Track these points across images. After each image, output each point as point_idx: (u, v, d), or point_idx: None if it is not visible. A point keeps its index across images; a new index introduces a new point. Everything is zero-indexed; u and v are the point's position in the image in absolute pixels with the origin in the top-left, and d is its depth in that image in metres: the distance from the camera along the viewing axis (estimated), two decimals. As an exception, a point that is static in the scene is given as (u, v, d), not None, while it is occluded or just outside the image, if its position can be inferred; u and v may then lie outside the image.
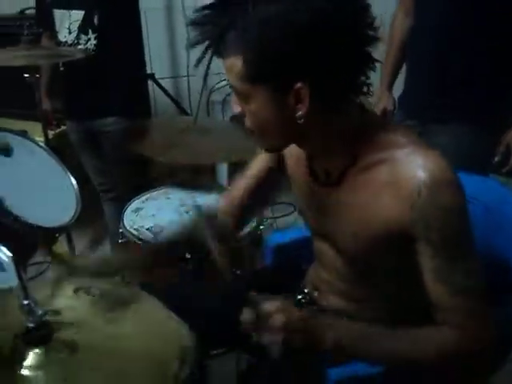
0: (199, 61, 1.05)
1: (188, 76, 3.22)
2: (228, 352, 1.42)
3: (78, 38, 2.27)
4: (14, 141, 1.93)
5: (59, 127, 2.73)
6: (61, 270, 1.26)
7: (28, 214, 1.69)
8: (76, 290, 1.12)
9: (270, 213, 2.74)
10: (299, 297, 1.38)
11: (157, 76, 2.91)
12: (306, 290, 1.39)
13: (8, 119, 2.95)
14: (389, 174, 1.05)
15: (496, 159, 1.86)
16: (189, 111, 3.02)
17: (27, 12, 2.88)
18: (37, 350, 0.96)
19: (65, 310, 1.04)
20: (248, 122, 1.09)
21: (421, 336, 1.05)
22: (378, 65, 1.06)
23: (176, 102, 2.95)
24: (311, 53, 0.96)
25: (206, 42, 1.01)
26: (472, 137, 1.84)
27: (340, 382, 1.24)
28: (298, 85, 0.99)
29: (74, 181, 1.92)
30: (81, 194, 1.87)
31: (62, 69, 2.35)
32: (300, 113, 1.02)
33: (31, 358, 0.96)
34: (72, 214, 1.81)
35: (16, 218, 1.59)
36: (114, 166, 2.46)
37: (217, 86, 2.97)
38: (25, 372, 0.94)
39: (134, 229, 1.82)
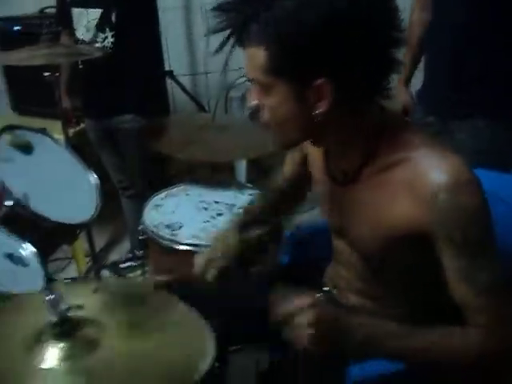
0: (219, 49, 1.04)
1: (206, 73, 3.23)
2: (248, 348, 1.43)
3: (95, 36, 2.29)
4: (34, 139, 1.96)
5: (79, 125, 2.75)
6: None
7: (49, 211, 1.71)
8: (95, 290, 1.13)
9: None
10: (318, 295, 1.38)
11: (175, 73, 2.91)
12: (325, 288, 1.39)
13: (28, 117, 2.97)
14: (406, 175, 1.04)
15: None
16: (207, 108, 3.03)
17: (47, 11, 2.90)
18: (58, 345, 0.97)
19: (86, 309, 1.05)
20: (265, 115, 1.08)
21: (446, 335, 1.05)
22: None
23: (194, 99, 2.95)
24: (334, 49, 0.96)
25: (227, 31, 1.01)
26: (490, 132, 1.83)
27: (359, 382, 1.23)
28: (321, 81, 0.98)
29: (94, 178, 1.94)
30: (101, 191, 1.89)
31: (80, 67, 2.37)
32: (320, 109, 1.02)
33: (52, 351, 0.97)
34: (92, 211, 1.83)
35: (38, 215, 1.62)
36: (133, 164, 2.48)
37: (235, 83, 2.97)
38: (45, 365, 0.96)
39: (154, 225, 1.83)
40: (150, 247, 1.90)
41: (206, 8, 3.04)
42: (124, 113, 2.36)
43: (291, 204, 1.57)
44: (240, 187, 2.13)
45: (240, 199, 2.01)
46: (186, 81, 3.12)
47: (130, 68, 2.31)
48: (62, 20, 2.44)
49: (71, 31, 2.38)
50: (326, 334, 1.00)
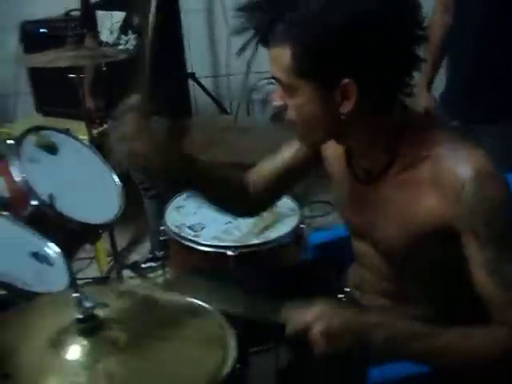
0: (243, 49, 1.05)
1: (228, 75, 3.24)
2: (268, 349, 1.43)
3: (118, 38, 2.32)
4: (59, 139, 1.99)
5: (102, 126, 2.77)
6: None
7: (73, 211, 1.73)
8: (120, 294, 1.14)
9: (309, 212, 2.74)
10: (341, 296, 1.38)
11: (197, 75, 2.93)
12: (346, 289, 1.39)
13: (52, 118, 3.01)
14: (431, 171, 1.04)
15: None
16: (229, 110, 3.04)
17: (72, 14, 2.94)
18: (83, 342, 0.98)
19: (110, 309, 1.07)
20: (290, 115, 1.09)
21: (470, 333, 1.04)
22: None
23: (216, 100, 2.97)
24: (359, 49, 0.97)
25: (251, 31, 1.02)
26: None
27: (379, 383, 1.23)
28: (346, 81, 0.99)
29: (117, 178, 1.96)
30: (124, 192, 1.91)
31: (104, 69, 2.40)
32: (345, 109, 1.02)
33: (75, 348, 0.98)
34: (115, 211, 1.85)
35: (63, 215, 1.64)
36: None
37: (257, 85, 2.98)
38: (69, 362, 0.96)
39: (176, 226, 1.84)
40: (171, 248, 1.92)
41: (228, 10, 3.07)
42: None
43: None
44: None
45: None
46: (207, 83, 3.14)
47: (152, 70, 2.32)
48: (87, 23, 2.47)
49: (95, 34, 2.41)
50: (340, 340, 1.01)
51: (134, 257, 2.81)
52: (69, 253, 1.66)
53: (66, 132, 2.03)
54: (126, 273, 2.52)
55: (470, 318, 1.04)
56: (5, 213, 1.63)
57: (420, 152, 1.07)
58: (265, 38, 1.02)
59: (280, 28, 1.00)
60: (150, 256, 2.67)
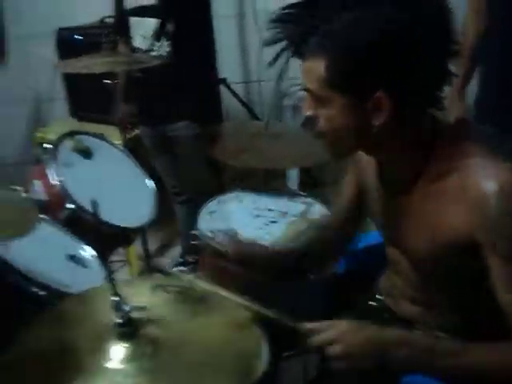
0: (275, 60, 1.06)
1: (259, 81, 3.25)
2: (298, 355, 1.43)
3: (151, 44, 2.34)
4: (93, 143, 2.02)
5: (134, 131, 2.81)
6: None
7: (107, 215, 1.76)
8: (154, 288, 1.16)
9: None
10: (372, 303, 1.38)
11: (228, 81, 2.94)
12: (378, 297, 1.39)
13: (86, 123, 3.06)
14: (459, 183, 1.05)
15: None
16: (260, 116, 3.05)
17: (107, 20, 2.98)
18: (124, 345, 1.00)
19: (148, 308, 1.08)
20: (321, 125, 1.09)
21: (496, 349, 1.03)
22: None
23: (247, 106, 2.98)
24: (392, 62, 0.97)
25: (284, 42, 1.03)
26: None
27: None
28: (378, 94, 1.00)
29: (150, 183, 1.98)
30: (157, 196, 1.94)
31: (138, 75, 2.43)
32: (377, 122, 1.03)
33: (118, 352, 1.00)
34: (149, 215, 1.87)
35: (99, 219, 1.66)
36: (187, 170, 2.51)
37: (288, 91, 2.98)
38: (111, 366, 0.98)
39: (209, 231, 1.86)
40: (204, 252, 1.93)
41: (260, 16, 3.08)
42: (178, 120, 2.40)
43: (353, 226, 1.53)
44: (292, 195, 2.14)
45: (292, 207, 2.03)
46: (238, 88, 3.15)
47: (185, 76, 2.35)
48: (120, 29, 2.51)
49: (128, 40, 2.44)
50: (362, 359, 1.02)
51: (165, 261, 2.83)
52: (102, 256, 1.69)
53: (101, 136, 2.07)
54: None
55: (494, 327, 1.04)
56: (43, 215, 1.67)
57: (449, 164, 1.07)
58: (298, 49, 1.03)
59: (314, 40, 1.01)
60: (181, 260, 2.69)
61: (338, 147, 1.14)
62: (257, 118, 2.97)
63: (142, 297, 1.12)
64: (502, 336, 1.04)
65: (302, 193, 2.19)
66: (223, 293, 1.13)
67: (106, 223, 1.68)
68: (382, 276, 1.42)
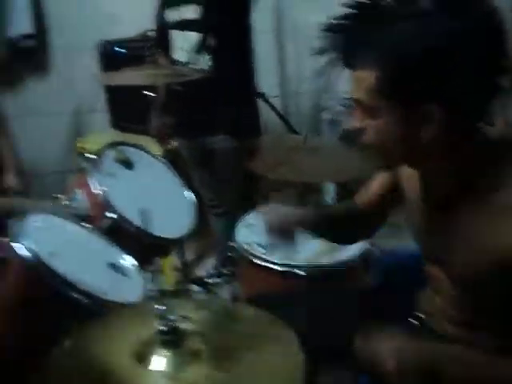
0: (322, 71, 1.07)
1: (297, 94, 3.26)
2: (337, 369, 1.42)
3: (192, 58, 2.38)
4: (135, 154, 2.05)
5: (171, 143, 2.83)
6: None
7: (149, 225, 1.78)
8: (197, 305, 1.17)
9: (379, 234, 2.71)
10: (411, 321, 1.37)
11: (266, 95, 2.96)
12: (418, 315, 1.37)
13: (126, 134, 3.11)
14: (502, 202, 1.03)
15: None
16: (297, 130, 3.05)
17: (149, 33, 3.03)
18: (166, 353, 1.01)
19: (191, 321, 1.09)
20: (369, 137, 1.09)
21: None
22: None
23: (285, 120, 2.99)
24: (445, 75, 0.97)
25: (334, 52, 1.03)
26: None
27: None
28: (429, 106, 0.99)
29: (190, 194, 2.00)
30: (197, 208, 1.95)
31: (177, 88, 2.46)
32: (426, 134, 1.03)
33: (160, 360, 1.01)
34: (189, 226, 1.89)
35: (140, 229, 1.69)
36: (224, 183, 2.53)
37: (327, 105, 2.98)
38: (153, 373, 1.00)
39: (246, 243, 1.86)
40: (240, 265, 1.94)
41: (297, 29, 3.10)
42: (217, 133, 2.43)
43: (368, 226, 1.58)
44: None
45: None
46: (276, 102, 3.16)
47: (224, 90, 2.38)
48: (161, 42, 2.55)
49: (168, 53, 2.48)
50: (412, 375, 1.02)
51: (200, 272, 2.84)
52: (141, 265, 1.71)
53: (142, 148, 2.09)
54: (193, 287, 2.55)
55: None
56: (85, 224, 1.70)
57: (496, 181, 1.06)
58: (348, 60, 1.04)
59: (365, 51, 1.01)
60: (216, 272, 2.70)
61: (385, 159, 1.15)
62: (294, 132, 2.98)
63: (186, 310, 1.13)
64: None
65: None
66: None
67: (147, 233, 1.70)
68: (421, 293, 1.41)
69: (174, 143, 2.80)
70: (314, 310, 1.49)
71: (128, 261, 1.65)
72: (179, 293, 2.28)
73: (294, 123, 3.08)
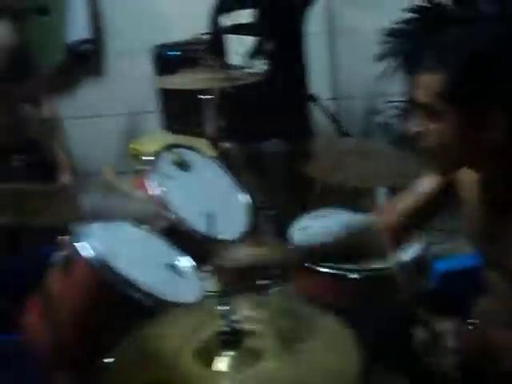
0: (388, 73, 1.07)
1: (349, 98, 3.24)
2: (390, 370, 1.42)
3: (247, 62, 2.40)
4: (190, 157, 2.09)
5: (223, 146, 2.86)
6: None
7: (204, 227, 1.81)
8: (256, 305, 1.19)
9: (433, 238, 2.68)
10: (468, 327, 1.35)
11: (318, 97, 2.95)
12: (472, 320, 1.36)
13: (179, 136, 3.15)
14: None
15: None
16: (349, 133, 3.04)
17: (203, 37, 3.06)
18: (229, 353, 1.04)
19: (248, 320, 1.11)
20: (430, 140, 1.09)
21: None
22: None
23: (337, 123, 2.98)
24: (508, 77, 0.96)
25: (397, 56, 1.04)
26: None
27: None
28: (494, 110, 0.99)
29: (244, 196, 2.02)
30: (251, 210, 1.97)
31: (231, 91, 2.49)
32: (489, 138, 1.02)
33: (223, 359, 1.03)
34: (243, 228, 1.91)
35: (197, 231, 1.72)
36: (276, 186, 2.55)
37: (379, 108, 2.96)
38: (216, 373, 1.02)
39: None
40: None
41: (349, 32, 3.09)
42: (269, 137, 2.44)
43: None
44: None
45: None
46: (328, 105, 3.15)
47: (278, 93, 2.39)
48: (216, 46, 2.58)
49: (223, 56, 2.51)
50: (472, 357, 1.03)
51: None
52: (198, 265, 1.74)
53: (198, 150, 2.13)
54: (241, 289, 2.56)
55: None
56: (143, 225, 1.74)
57: None
58: (414, 64, 1.04)
59: (430, 54, 1.01)
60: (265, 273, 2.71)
61: (445, 163, 1.15)
62: (346, 135, 2.97)
63: (244, 311, 1.15)
64: None
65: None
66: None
67: (204, 235, 1.73)
68: (477, 300, 1.39)
69: (227, 146, 2.84)
70: (367, 312, 1.49)
71: (185, 261, 1.68)
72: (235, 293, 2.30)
73: (345, 126, 3.07)
